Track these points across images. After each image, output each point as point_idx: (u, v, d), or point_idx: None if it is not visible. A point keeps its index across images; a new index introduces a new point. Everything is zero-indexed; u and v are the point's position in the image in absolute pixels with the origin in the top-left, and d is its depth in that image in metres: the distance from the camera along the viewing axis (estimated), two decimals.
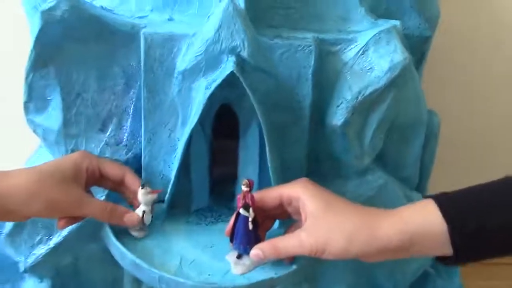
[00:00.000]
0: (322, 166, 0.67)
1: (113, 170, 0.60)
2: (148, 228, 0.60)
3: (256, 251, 0.55)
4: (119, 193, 0.62)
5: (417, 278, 0.79)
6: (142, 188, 0.59)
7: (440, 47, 0.83)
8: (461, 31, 0.97)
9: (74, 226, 0.62)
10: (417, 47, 0.73)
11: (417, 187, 0.76)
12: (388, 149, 0.69)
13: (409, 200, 0.72)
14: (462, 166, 1.02)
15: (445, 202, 0.51)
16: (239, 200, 0.54)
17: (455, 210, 0.50)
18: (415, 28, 0.72)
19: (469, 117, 1.01)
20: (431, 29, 0.74)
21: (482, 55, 1.00)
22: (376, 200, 0.68)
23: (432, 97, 0.75)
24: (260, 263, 0.56)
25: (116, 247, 0.57)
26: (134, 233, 0.60)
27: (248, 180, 0.54)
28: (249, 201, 0.54)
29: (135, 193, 0.60)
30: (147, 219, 0.59)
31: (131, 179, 0.60)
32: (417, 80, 0.70)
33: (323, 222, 0.53)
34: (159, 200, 0.61)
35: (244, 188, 0.54)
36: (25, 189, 0.55)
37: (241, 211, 0.54)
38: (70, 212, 0.58)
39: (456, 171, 0.97)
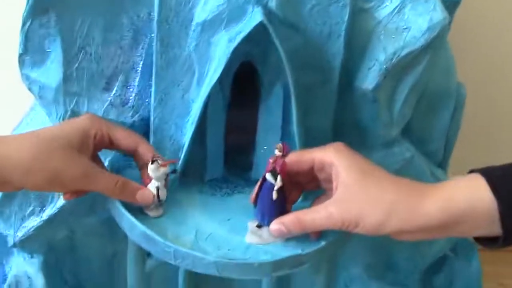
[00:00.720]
0: (346, 136, 0.61)
1: (125, 140, 0.53)
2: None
3: (277, 225, 0.49)
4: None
5: (434, 260, 0.74)
6: (152, 164, 0.51)
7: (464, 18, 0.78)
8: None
9: None
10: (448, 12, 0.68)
11: (440, 162, 0.71)
12: (415, 120, 0.64)
13: (434, 176, 0.67)
14: (484, 142, 0.98)
15: (494, 177, 0.46)
16: (269, 164, 0.48)
17: (506, 186, 0.45)
18: None
19: (494, 90, 0.97)
20: None
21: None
22: (402, 175, 0.62)
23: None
24: (281, 237, 0.50)
25: (126, 218, 0.51)
26: (149, 213, 0.53)
27: (283, 144, 0.48)
28: (278, 167, 0.48)
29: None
30: (162, 195, 0.52)
31: (145, 150, 0.54)
32: (448, 47, 0.65)
33: (358, 193, 0.48)
34: (172, 171, 0.54)
35: (277, 152, 0.48)
36: (23, 158, 0.48)
37: (267, 176, 0.49)
38: (75, 187, 0.51)
39: (477, 147, 0.93)
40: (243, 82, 0.58)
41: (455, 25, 0.73)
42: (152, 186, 0.52)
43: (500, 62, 0.96)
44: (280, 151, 0.48)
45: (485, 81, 0.94)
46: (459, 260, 0.76)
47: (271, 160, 0.48)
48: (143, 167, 0.54)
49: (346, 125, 0.61)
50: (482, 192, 0.45)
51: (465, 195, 0.46)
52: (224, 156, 0.60)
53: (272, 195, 0.49)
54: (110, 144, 0.54)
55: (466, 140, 0.80)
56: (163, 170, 0.52)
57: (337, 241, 0.52)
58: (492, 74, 0.96)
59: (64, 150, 0.50)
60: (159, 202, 0.53)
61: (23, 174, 0.48)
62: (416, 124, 0.65)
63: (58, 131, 0.51)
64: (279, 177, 0.48)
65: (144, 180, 0.54)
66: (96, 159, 0.54)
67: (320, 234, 0.52)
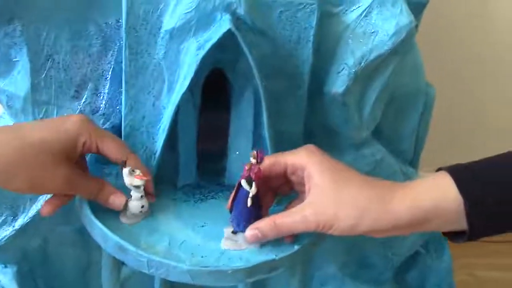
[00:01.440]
0: (317, 139, 0.62)
1: (114, 153, 0.52)
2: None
3: (252, 231, 0.50)
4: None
5: (407, 257, 0.76)
6: (124, 167, 0.50)
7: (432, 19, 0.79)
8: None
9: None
10: (414, 14, 0.69)
11: (411, 160, 0.73)
12: (385, 121, 0.65)
13: (404, 175, 0.69)
14: (454, 140, 1.00)
15: (461, 175, 0.47)
16: (245, 171, 0.49)
17: (471, 184, 0.46)
18: None
19: (462, 90, 0.99)
20: None
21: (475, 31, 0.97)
22: (373, 175, 0.62)
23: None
24: (256, 243, 0.51)
25: (98, 228, 0.50)
26: (122, 219, 0.52)
27: (257, 152, 0.48)
28: (253, 174, 0.48)
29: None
30: (133, 206, 0.52)
31: (133, 164, 0.52)
32: (416, 49, 0.66)
33: (331, 195, 0.48)
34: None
35: (252, 159, 0.48)
36: (7, 163, 0.47)
37: (243, 183, 0.49)
38: (55, 192, 0.51)
39: (448, 145, 0.94)
40: (215, 88, 0.58)
41: (423, 25, 0.75)
42: (135, 196, 0.52)
43: (468, 61, 0.99)
44: (254, 159, 0.48)
45: (453, 80, 0.96)
46: (431, 256, 0.77)
47: (246, 167, 0.49)
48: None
49: (317, 128, 0.62)
50: (448, 190, 0.46)
51: (432, 194, 0.47)
52: (197, 162, 0.60)
53: (247, 202, 0.50)
54: (97, 152, 0.52)
55: (436, 137, 0.82)
56: (136, 181, 0.51)
57: (311, 244, 0.52)
58: (460, 74, 0.98)
59: (50, 157, 0.48)
60: (131, 212, 0.52)
61: (6, 178, 0.48)
62: (386, 125, 0.66)
63: (46, 135, 0.49)
64: (253, 184, 0.49)
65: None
66: (79, 160, 0.53)
67: (294, 238, 0.52)
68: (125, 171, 0.51)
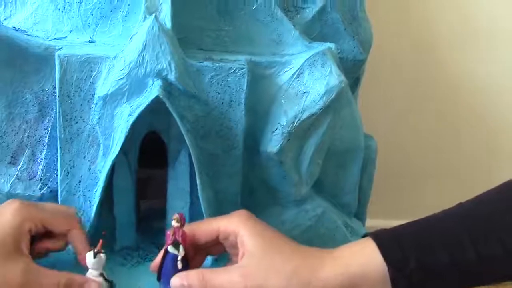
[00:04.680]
0: (258, 195, 0.63)
1: (59, 225, 0.51)
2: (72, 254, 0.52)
3: (179, 280, 0.49)
4: None
5: None
6: (94, 258, 0.50)
7: (374, 71, 0.82)
8: (392, 53, 0.98)
9: None
10: (352, 70, 0.72)
11: (357, 213, 0.74)
12: (326, 175, 0.67)
13: (349, 228, 0.69)
14: (401, 189, 1.01)
15: (384, 241, 0.48)
16: (169, 236, 0.49)
17: (394, 249, 0.47)
18: (349, 51, 0.70)
19: (404, 141, 1.01)
20: (365, 52, 0.73)
21: (421, 74, 1.01)
22: (315, 230, 0.65)
23: (368, 121, 0.74)
24: None
25: None
26: None
27: (179, 215, 0.49)
28: (179, 238, 0.49)
29: (78, 252, 0.52)
30: (104, 284, 0.51)
31: (76, 238, 0.51)
32: (353, 104, 0.68)
33: (261, 262, 0.49)
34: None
35: (174, 223, 0.49)
36: None
37: (170, 248, 0.49)
38: None
39: (394, 196, 0.96)
40: (155, 147, 0.59)
41: (368, 76, 0.77)
42: (94, 274, 0.50)
43: (413, 109, 1.02)
44: (178, 222, 0.49)
45: (398, 128, 0.99)
46: None
47: (169, 232, 0.49)
48: (77, 250, 0.52)
49: (258, 185, 0.63)
50: (373, 256, 0.47)
51: (358, 260, 0.48)
52: (136, 223, 0.60)
53: (177, 265, 0.50)
54: (44, 232, 0.51)
55: (383, 186, 0.84)
56: (103, 256, 0.50)
57: None
58: (405, 122, 1.01)
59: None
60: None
61: None
62: (327, 179, 0.67)
63: None
64: (181, 247, 0.49)
65: (81, 262, 0.52)
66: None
67: None
68: (95, 260, 0.49)
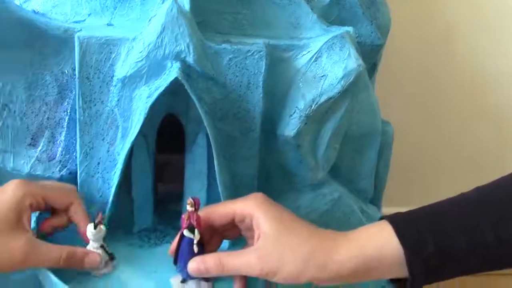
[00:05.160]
0: (274, 180, 0.63)
1: (60, 199, 0.53)
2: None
3: (196, 264, 0.50)
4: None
5: None
6: (95, 229, 0.51)
7: (392, 55, 0.82)
8: (413, 39, 0.97)
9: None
10: (370, 55, 0.71)
11: (373, 198, 0.74)
12: (342, 160, 0.66)
13: (364, 213, 0.69)
14: (416, 177, 1.01)
15: (401, 224, 0.48)
16: (184, 220, 0.50)
17: (411, 232, 0.48)
18: (367, 36, 0.69)
19: (422, 126, 1.01)
20: (383, 38, 0.72)
21: (435, 65, 1.00)
22: (331, 214, 0.65)
23: (385, 106, 0.74)
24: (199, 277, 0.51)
25: (48, 277, 0.50)
26: (100, 272, 0.52)
27: (193, 199, 0.49)
28: (194, 222, 0.49)
29: (79, 225, 0.53)
30: (104, 255, 0.53)
31: (76, 211, 0.53)
32: (371, 88, 0.67)
33: (277, 243, 0.49)
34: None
35: (189, 207, 0.49)
36: None
37: (185, 232, 0.50)
38: (18, 268, 0.50)
39: (410, 182, 0.96)
40: (173, 131, 0.59)
41: (383, 64, 0.77)
42: (95, 246, 0.52)
43: (427, 99, 1.01)
44: (192, 206, 0.49)
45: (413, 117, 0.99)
46: None
47: (184, 216, 0.49)
48: (78, 224, 0.54)
49: (275, 169, 0.63)
50: (389, 239, 0.47)
51: (374, 243, 0.48)
52: (154, 205, 0.60)
53: (193, 249, 0.50)
54: (46, 208, 0.53)
55: (399, 173, 0.83)
56: (104, 232, 0.52)
57: None
58: (420, 111, 1.01)
59: (2, 233, 0.48)
60: (107, 260, 0.53)
61: None
62: (343, 164, 0.67)
63: None
64: (196, 231, 0.50)
65: (82, 236, 0.53)
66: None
67: (245, 283, 0.52)
68: (96, 231, 0.51)
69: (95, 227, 0.51)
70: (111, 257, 0.53)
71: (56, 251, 0.50)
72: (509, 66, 1.01)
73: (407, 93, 1.00)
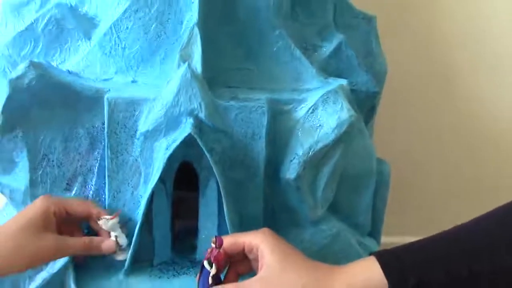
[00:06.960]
0: (279, 217, 0.70)
1: (78, 207, 0.64)
2: (118, 268, 0.65)
3: None
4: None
5: None
6: (99, 221, 0.63)
7: (392, 95, 0.89)
8: (410, 79, 1.04)
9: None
10: (366, 101, 0.79)
11: (372, 231, 0.80)
12: (340, 198, 0.74)
13: (362, 245, 0.76)
14: (417, 208, 1.07)
15: (386, 259, 0.54)
16: (207, 253, 0.57)
17: (395, 266, 0.54)
18: (362, 84, 0.77)
19: (420, 159, 1.07)
20: (379, 85, 0.80)
21: (432, 103, 1.07)
22: (330, 248, 0.72)
23: (383, 140, 0.81)
24: None
25: None
26: (118, 258, 0.64)
27: (216, 238, 0.57)
28: (212, 257, 0.57)
29: (100, 235, 0.65)
30: (122, 241, 0.64)
31: (95, 212, 0.64)
32: (365, 134, 0.75)
33: (278, 273, 0.56)
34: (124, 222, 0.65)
35: (212, 244, 0.57)
36: (3, 248, 0.58)
37: (205, 263, 0.57)
38: (53, 259, 0.63)
39: (410, 215, 1.01)
40: (189, 174, 0.68)
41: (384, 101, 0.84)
42: (112, 236, 0.64)
43: (426, 135, 1.07)
44: (214, 244, 0.57)
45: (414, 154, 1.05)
46: None
47: (208, 250, 0.57)
48: (98, 228, 0.65)
49: (278, 208, 0.70)
50: (375, 273, 0.54)
51: (362, 276, 0.54)
52: (172, 240, 0.69)
53: (208, 281, 0.58)
54: (68, 215, 0.64)
55: (400, 203, 0.90)
56: (113, 222, 0.63)
57: None
58: (419, 141, 1.07)
59: (36, 234, 0.59)
60: (121, 247, 0.64)
61: (8, 263, 0.58)
62: (341, 202, 0.74)
63: (25, 219, 0.60)
64: (214, 265, 0.57)
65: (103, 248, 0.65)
66: (64, 230, 0.63)
67: None
68: (102, 222, 0.63)
69: (99, 220, 0.63)
70: (126, 244, 0.64)
71: (79, 240, 0.63)
72: (506, 103, 1.07)
73: (409, 122, 1.06)
